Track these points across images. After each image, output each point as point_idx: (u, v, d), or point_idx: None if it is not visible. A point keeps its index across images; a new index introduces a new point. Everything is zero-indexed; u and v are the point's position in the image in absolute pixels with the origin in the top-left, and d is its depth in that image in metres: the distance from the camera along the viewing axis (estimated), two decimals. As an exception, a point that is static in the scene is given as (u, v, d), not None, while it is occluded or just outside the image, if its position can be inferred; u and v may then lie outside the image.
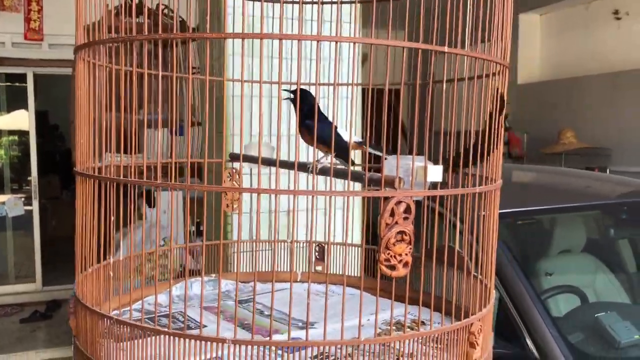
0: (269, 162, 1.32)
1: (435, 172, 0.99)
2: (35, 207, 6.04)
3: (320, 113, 1.25)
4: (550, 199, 2.81)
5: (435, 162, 1.02)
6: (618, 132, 5.73)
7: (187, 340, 0.95)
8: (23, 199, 6.29)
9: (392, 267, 0.89)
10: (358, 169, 1.51)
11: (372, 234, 1.60)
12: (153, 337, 0.99)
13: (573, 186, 3.16)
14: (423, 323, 1.20)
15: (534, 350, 1.92)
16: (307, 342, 0.95)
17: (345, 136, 1.25)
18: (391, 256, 0.88)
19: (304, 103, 1.23)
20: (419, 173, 0.97)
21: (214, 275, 1.57)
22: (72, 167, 3.58)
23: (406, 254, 0.89)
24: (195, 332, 0.96)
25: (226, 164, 1.55)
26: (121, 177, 1.04)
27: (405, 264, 0.89)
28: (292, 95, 1.25)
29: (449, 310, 1.11)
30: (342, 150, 1.23)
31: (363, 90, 1.69)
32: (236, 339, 0.92)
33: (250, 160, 1.41)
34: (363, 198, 1.86)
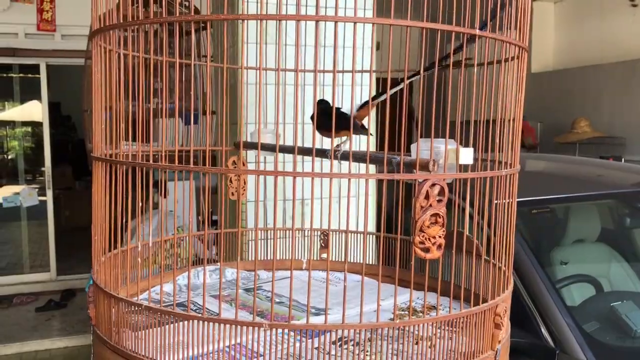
0: (275, 149, 1.31)
1: (467, 155, 0.99)
2: (49, 197, 6.09)
3: (329, 111, 1.26)
4: (565, 188, 2.79)
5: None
6: (633, 121, 5.67)
7: (220, 325, 0.95)
8: (37, 189, 6.35)
9: (427, 250, 0.89)
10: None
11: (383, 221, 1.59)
12: (181, 324, 0.99)
13: (587, 175, 3.13)
14: (434, 308, 1.21)
15: (549, 339, 1.92)
16: (344, 325, 0.95)
17: (349, 111, 1.25)
18: (426, 239, 0.89)
19: (321, 110, 1.24)
20: (450, 156, 0.97)
21: (218, 264, 1.57)
22: (86, 157, 3.58)
23: (440, 236, 0.89)
24: (231, 316, 0.95)
25: (231, 153, 1.55)
26: (151, 162, 1.03)
27: (439, 246, 0.90)
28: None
29: (459, 295, 1.11)
30: (355, 126, 1.24)
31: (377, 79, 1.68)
32: (273, 322, 0.93)
33: (255, 147, 1.40)
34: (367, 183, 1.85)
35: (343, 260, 1.58)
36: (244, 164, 1.53)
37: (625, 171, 3.29)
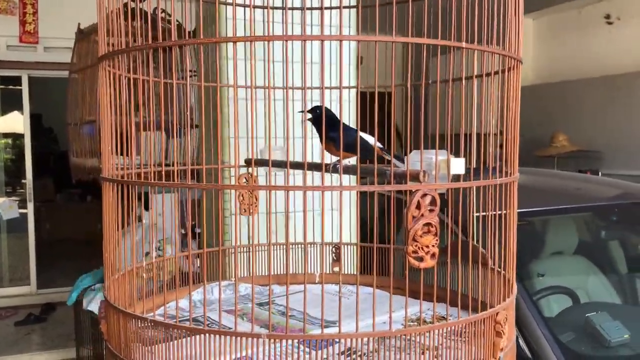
0: (282, 165, 1.34)
1: (458, 165, 1.01)
2: (30, 209, 6.03)
3: (341, 122, 1.28)
4: (543, 201, 2.84)
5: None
6: (609, 135, 5.78)
7: (222, 337, 0.97)
8: (18, 202, 6.29)
9: (420, 259, 0.91)
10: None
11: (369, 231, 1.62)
12: (188, 338, 1.01)
13: (565, 188, 3.19)
14: (443, 318, 1.22)
15: (526, 350, 1.95)
16: (339, 335, 0.97)
17: (370, 140, 1.28)
18: (419, 248, 0.90)
19: (321, 118, 1.26)
20: (441, 166, 0.99)
21: (232, 279, 1.59)
22: (69, 169, 3.57)
23: (433, 245, 0.91)
24: (241, 329, 0.97)
25: (241, 169, 1.56)
26: (158, 181, 1.05)
27: (433, 255, 0.91)
28: (310, 115, 1.28)
29: (467, 304, 1.12)
30: (368, 153, 1.26)
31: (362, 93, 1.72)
32: (271, 333, 0.95)
33: (265, 164, 1.43)
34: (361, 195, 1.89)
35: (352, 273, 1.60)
36: (255, 181, 1.54)
37: (603, 185, 3.36)
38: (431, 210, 0.91)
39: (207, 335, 0.97)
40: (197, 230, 2.70)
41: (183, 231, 2.98)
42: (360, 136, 1.26)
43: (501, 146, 1.17)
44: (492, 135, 1.13)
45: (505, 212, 1.12)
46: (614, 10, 5.95)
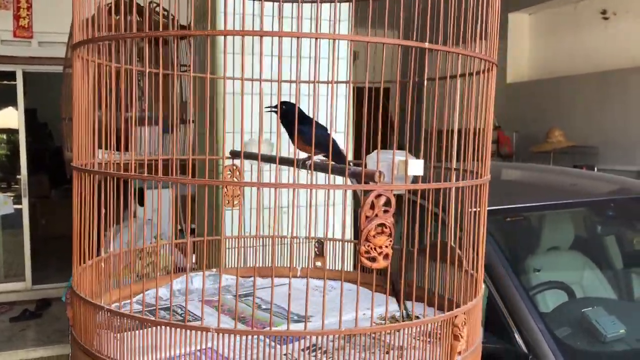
0: (268, 159, 1.34)
1: (416, 166, 1.00)
2: (25, 205, 6.01)
3: (307, 118, 1.27)
4: (539, 196, 2.85)
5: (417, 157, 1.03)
6: (605, 130, 5.79)
7: (174, 330, 0.97)
8: (12, 198, 6.27)
9: (373, 259, 0.90)
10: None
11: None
12: (144, 329, 1.02)
13: (561, 184, 3.19)
14: (417, 317, 1.22)
15: (522, 345, 1.95)
16: (291, 332, 0.96)
17: (341, 144, 1.28)
18: (371, 248, 0.89)
19: (289, 113, 1.26)
20: (400, 167, 0.99)
21: (214, 270, 1.59)
22: (64, 165, 3.55)
23: (386, 246, 0.90)
24: (181, 322, 0.98)
25: (226, 161, 1.56)
26: (121, 172, 1.04)
27: (386, 256, 0.90)
28: (275, 109, 1.28)
29: (441, 304, 1.12)
30: (324, 149, 1.25)
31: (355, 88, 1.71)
32: (220, 327, 0.93)
33: (250, 157, 1.43)
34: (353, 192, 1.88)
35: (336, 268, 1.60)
36: (239, 173, 1.55)
37: (598, 180, 3.36)
38: (386, 211, 0.90)
39: (158, 327, 0.98)
40: (193, 226, 2.69)
41: (179, 227, 2.97)
42: (320, 132, 1.26)
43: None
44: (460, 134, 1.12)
45: (476, 210, 1.11)
46: (610, 5, 5.95)
